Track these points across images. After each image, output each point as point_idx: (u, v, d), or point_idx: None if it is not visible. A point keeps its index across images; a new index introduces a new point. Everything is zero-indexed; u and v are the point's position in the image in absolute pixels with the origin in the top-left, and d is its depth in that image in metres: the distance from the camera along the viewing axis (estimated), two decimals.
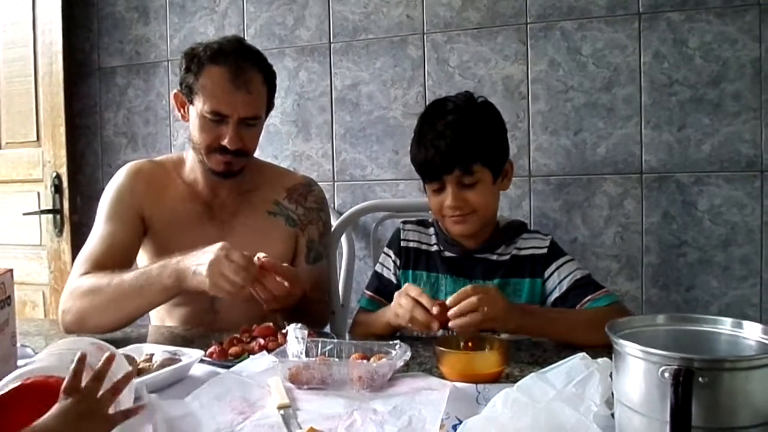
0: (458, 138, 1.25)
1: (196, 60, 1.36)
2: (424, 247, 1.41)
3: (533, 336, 1.23)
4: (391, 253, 1.43)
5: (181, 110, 1.44)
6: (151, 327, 1.50)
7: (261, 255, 1.22)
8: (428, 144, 1.28)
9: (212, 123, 1.35)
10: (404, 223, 1.47)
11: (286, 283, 1.22)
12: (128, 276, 1.28)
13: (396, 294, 1.20)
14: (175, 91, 1.44)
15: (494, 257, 1.35)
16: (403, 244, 1.42)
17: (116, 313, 1.28)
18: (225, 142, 1.35)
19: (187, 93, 1.38)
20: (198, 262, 1.20)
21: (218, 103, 1.33)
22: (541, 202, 2.02)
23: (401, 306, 1.16)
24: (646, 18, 1.89)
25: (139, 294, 1.26)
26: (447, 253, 1.38)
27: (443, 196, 1.29)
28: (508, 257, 1.34)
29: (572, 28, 1.96)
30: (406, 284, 1.22)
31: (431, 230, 1.43)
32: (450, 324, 1.10)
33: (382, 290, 1.41)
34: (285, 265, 1.27)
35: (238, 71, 1.34)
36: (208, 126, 1.36)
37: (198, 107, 1.35)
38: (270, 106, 1.46)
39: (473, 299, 1.08)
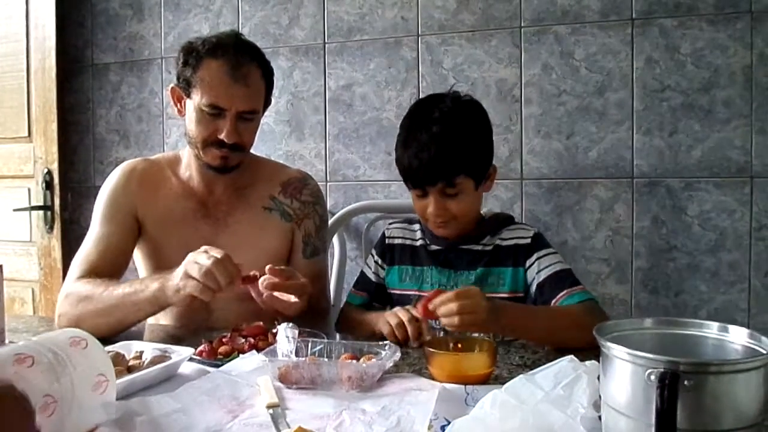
0: (442, 151, 1.25)
1: (194, 54, 1.36)
2: (408, 242, 1.45)
3: (512, 336, 1.25)
4: (374, 253, 1.49)
5: (178, 105, 1.43)
6: (142, 324, 1.50)
7: (268, 268, 1.20)
8: (412, 154, 1.28)
9: (209, 116, 1.35)
10: (390, 223, 1.52)
11: (293, 298, 1.21)
12: (121, 286, 1.28)
13: (387, 314, 1.25)
14: (171, 85, 1.43)
15: (479, 247, 1.37)
16: (387, 242, 1.47)
17: (108, 321, 1.27)
18: (222, 135, 1.34)
19: (185, 87, 1.37)
20: (179, 270, 1.19)
21: (216, 97, 1.33)
22: (532, 205, 2.03)
23: (388, 324, 1.22)
24: (638, 24, 1.91)
25: (128, 304, 1.26)
26: (433, 247, 1.41)
27: (426, 201, 1.31)
28: (491, 248, 1.37)
29: (566, 33, 1.97)
30: (397, 309, 1.25)
31: (416, 226, 1.46)
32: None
33: (366, 286, 1.48)
34: (291, 281, 1.23)
35: (237, 65, 1.34)
36: (205, 119, 1.35)
37: (195, 101, 1.35)
38: (267, 101, 1.45)
39: (452, 306, 1.08)
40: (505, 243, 1.36)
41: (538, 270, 1.31)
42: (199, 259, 1.16)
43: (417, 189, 1.31)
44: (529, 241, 1.35)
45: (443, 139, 1.26)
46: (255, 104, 1.38)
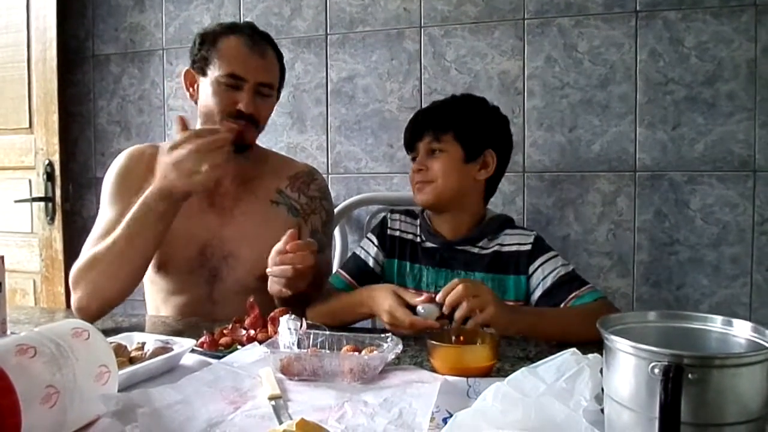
0: (438, 110, 1.38)
1: (210, 34, 1.40)
2: (408, 236, 1.43)
3: (523, 334, 1.23)
4: (374, 239, 1.44)
5: (191, 89, 1.44)
6: (144, 316, 1.50)
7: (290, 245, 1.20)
8: (415, 116, 1.42)
9: (227, 88, 1.36)
10: (392, 212, 1.48)
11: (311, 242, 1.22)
12: (117, 230, 1.26)
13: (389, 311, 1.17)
14: (186, 68, 1.44)
15: (476, 250, 1.36)
16: (388, 232, 1.44)
17: (125, 268, 1.27)
18: (240, 105, 1.35)
19: (201, 65, 1.39)
20: (167, 171, 1.23)
21: (236, 66, 1.35)
22: (534, 198, 2.02)
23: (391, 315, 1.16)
24: (642, 16, 1.90)
25: (137, 236, 1.25)
26: (428, 244, 1.39)
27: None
28: (490, 251, 1.35)
29: (569, 25, 1.96)
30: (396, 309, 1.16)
31: (417, 221, 1.44)
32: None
33: (355, 271, 1.41)
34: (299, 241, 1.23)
35: (254, 41, 1.39)
36: (222, 91, 1.36)
37: (212, 75, 1.36)
38: (280, 88, 1.47)
39: (459, 288, 1.09)
40: (505, 249, 1.35)
41: (543, 276, 1.30)
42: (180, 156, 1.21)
43: (411, 151, 1.38)
44: (529, 247, 1.33)
45: (443, 104, 1.40)
46: (272, 78, 1.41)
